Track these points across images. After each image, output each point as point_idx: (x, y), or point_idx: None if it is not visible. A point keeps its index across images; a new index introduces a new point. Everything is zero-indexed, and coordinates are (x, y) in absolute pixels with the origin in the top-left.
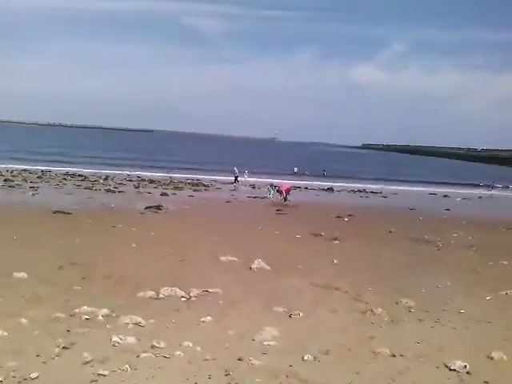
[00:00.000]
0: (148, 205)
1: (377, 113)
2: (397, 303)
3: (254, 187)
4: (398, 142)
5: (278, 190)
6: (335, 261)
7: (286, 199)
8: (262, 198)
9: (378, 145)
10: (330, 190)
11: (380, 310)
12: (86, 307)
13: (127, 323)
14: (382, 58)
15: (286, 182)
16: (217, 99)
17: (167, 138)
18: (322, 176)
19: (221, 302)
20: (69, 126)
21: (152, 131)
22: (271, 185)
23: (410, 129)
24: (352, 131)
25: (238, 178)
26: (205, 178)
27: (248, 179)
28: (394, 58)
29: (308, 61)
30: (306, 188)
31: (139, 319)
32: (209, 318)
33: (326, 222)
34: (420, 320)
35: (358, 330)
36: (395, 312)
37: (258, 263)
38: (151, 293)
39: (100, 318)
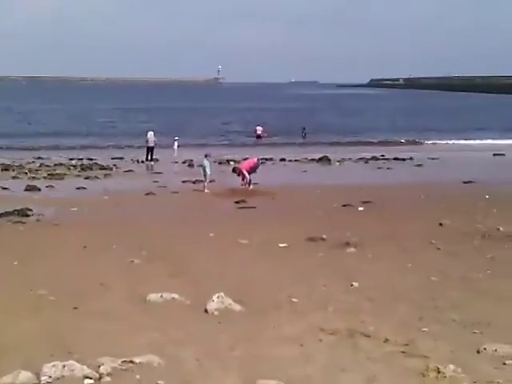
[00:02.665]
0: (3, 210)
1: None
2: (478, 352)
3: (191, 165)
4: (425, 74)
5: (234, 170)
6: (355, 284)
7: (249, 183)
8: (210, 181)
9: (395, 80)
10: (325, 160)
11: (452, 367)
12: None
13: None
14: None
15: (246, 158)
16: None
17: (37, 89)
18: (300, 137)
19: None
20: None
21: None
22: (207, 154)
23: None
24: (351, 63)
25: (175, 149)
26: (103, 155)
27: (176, 151)
28: None
29: None
30: (284, 160)
31: None
32: None
33: (326, 217)
34: None
35: None
36: (480, 368)
37: (218, 300)
38: (26, 376)
39: None
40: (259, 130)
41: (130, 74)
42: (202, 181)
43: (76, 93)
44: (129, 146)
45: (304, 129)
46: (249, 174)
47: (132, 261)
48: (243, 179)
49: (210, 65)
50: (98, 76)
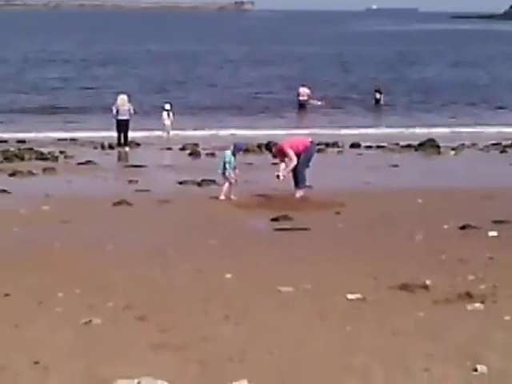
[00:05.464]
0: None
1: None
2: None
3: (195, 153)
4: None
5: (269, 147)
6: (480, 367)
7: (297, 182)
8: (229, 182)
9: None
10: (430, 146)
11: None
12: None
13: None
14: None
15: (290, 137)
16: None
17: None
18: (373, 106)
19: None
20: None
21: None
22: (236, 146)
23: None
24: None
25: (166, 124)
26: (44, 134)
27: (168, 127)
28: None
29: None
30: (357, 146)
31: None
32: None
33: (431, 247)
34: None
35: None
36: None
37: None
38: None
39: None
40: (304, 93)
41: None
42: (212, 181)
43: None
44: (86, 115)
45: (379, 92)
46: (294, 166)
47: (89, 320)
48: (285, 165)
49: None
50: None
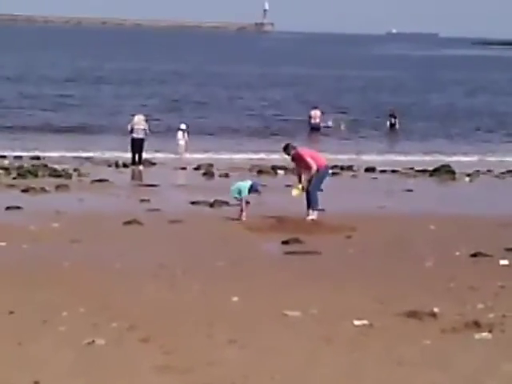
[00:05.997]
0: None
1: None
2: None
3: (209, 173)
4: None
5: (287, 149)
6: None
7: (310, 204)
8: (236, 205)
9: None
10: (445, 172)
11: None
12: None
13: None
14: None
15: (310, 153)
16: None
17: None
18: (388, 131)
19: None
20: None
21: None
22: (253, 186)
23: None
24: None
25: (180, 144)
26: (59, 150)
27: (183, 147)
28: None
29: None
30: (372, 170)
31: None
32: None
33: (441, 274)
34: None
35: None
36: None
37: None
38: None
39: None
40: (315, 115)
41: (131, 15)
42: (226, 203)
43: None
44: (103, 135)
45: (393, 116)
46: (309, 184)
47: (92, 341)
48: (300, 177)
49: (250, 2)
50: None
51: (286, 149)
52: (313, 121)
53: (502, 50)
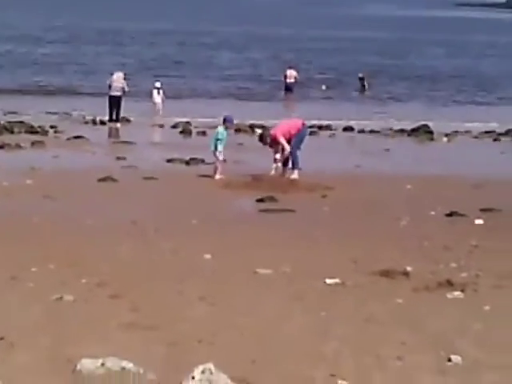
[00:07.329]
0: None
1: None
2: None
3: (186, 131)
4: None
5: (263, 138)
6: (455, 357)
7: (285, 164)
8: (212, 162)
9: None
10: (424, 132)
11: None
12: None
13: None
14: None
15: (284, 120)
16: None
17: None
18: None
19: None
20: None
21: None
22: (226, 120)
23: None
24: None
25: (157, 102)
26: (35, 108)
27: (159, 105)
28: None
29: None
30: (350, 129)
31: None
32: None
33: (416, 233)
34: None
35: None
36: None
37: (204, 378)
38: None
39: None
40: (291, 75)
41: None
42: (202, 160)
43: None
44: (81, 94)
45: (361, 79)
46: (284, 150)
47: (61, 297)
48: (278, 154)
49: None
50: None
51: (262, 138)
52: (288, 80)
53: (483, 11)
